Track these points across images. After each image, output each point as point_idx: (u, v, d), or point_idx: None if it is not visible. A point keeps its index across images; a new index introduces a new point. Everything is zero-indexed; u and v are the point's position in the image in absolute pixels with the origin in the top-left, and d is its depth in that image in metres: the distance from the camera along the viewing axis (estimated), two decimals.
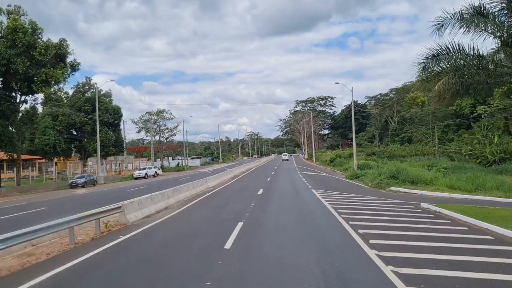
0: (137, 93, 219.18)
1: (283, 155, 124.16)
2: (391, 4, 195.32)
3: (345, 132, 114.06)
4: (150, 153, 61.94)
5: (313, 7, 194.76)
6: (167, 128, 78.95)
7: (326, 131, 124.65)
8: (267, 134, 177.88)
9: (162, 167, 63.27)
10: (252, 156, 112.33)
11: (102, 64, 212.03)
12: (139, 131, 70.83)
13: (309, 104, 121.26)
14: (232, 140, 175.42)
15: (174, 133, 75.29)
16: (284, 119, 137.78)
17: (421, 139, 74.44)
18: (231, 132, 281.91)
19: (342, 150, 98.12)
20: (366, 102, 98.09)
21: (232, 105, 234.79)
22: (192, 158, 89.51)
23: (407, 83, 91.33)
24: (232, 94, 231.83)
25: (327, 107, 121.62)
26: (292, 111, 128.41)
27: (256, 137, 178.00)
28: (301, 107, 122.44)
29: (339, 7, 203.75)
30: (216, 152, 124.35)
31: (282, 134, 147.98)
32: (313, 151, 68.85)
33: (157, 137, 71.61)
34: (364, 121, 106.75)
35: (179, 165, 69.36)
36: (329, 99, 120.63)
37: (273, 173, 43.49)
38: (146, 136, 71.35)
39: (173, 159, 73.18)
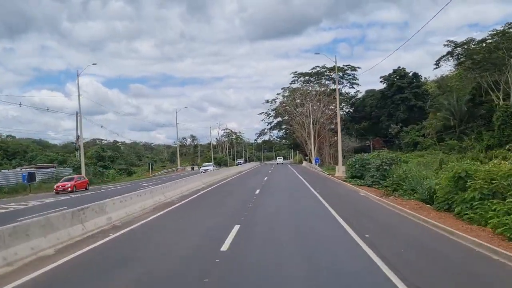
0: (123, 96, 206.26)
1: (278, 158, 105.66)
2: (382, 10, 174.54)
3: (378, 124, 66.23)
4: None
5: (303, 11, 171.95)
6: None
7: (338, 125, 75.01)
8: (257, 139, 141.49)
9: None
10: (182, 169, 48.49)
11: (88, 65, 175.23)
12: None
13: (315, 77, 73.20)
14: (213, 143, 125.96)
15: None
16: (274, 100, 78.98)
17: None
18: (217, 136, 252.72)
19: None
20: (441, 60, 49.73)
21: (220, 110, 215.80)
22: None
23: None
24: (221, 99, 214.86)
25: (345, 82, 73.15)
26: (288, 89, 74.99)
27: (235, 136, 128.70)
28: (301, 83, 74.82)
29: (329, 12, 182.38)
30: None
31: (270, 128, 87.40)
32: None
33: None
34: (418, 102, 59.17)
35: None
36: (349, 70, 72.47)
37: None
38: None
39: None
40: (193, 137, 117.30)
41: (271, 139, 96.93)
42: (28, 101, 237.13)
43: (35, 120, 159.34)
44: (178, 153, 62.64)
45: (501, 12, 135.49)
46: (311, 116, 57.94)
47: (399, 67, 61.65)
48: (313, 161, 55.42)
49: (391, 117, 62.49)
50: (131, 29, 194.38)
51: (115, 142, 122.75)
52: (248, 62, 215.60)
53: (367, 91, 76.68)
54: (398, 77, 60.99)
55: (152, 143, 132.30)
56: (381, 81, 64.27)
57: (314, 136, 59.02)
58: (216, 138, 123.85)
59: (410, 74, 61.32)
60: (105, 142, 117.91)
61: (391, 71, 63.51)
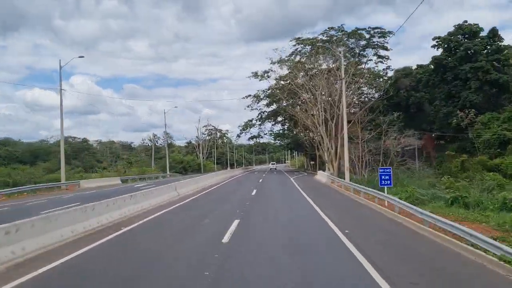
0: (117, 96, 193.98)
1: (271, 164, 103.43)
2: (378, 14, 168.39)
3: (420, 113, 43.95)
4: None
5: (299, 13, 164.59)
6: None
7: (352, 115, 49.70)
8: (240, 133, 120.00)
9: None
10: None
11: (82, 64, 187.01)
12: None
13: (327, 44, 48.32)
14: (193, 142, 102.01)
15: None
16: (267, 73, 50.74)
17: None
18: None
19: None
20: None
21: (214, 111, 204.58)
22: None
23: None
24: (215, 101, 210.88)
25: (371, 54, 49.83)
26: (288, 61, 48.37)
27: (219, 134, 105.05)
28: (306, 54, 47.89)
29: (325, 15, 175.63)
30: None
31: (261, 118, 60.01)
32: None
33: None
34: (501, 76, 36.45)
35: None
36: (377, 36, 49.41)
37: None
38: None
39: None
40: (168, 134, 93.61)
41: (262, 135, 68.48)
42: (21, 100, 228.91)
43: (28, 119, 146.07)
44: (63, 156, 33.77)
45: (495, 18, 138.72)
46: (344, 83, 32.25)
47: (465, 21, 38.69)
48: (348, 173, 29.07)
49: (448, 100, 39.75)
50: (126, 28, 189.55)
51: (85, 140, 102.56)
52: (243, 64, 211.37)
53: (397, 71, 54.03)
54: (464, 36, 38.21)
55: (131, 143, 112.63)
56: (434, 46, 41.31)
57: (341, 127, 34.78)
58: (197, 137, 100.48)
59: (484, 34, 38.45)
60: (78, 140, 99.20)
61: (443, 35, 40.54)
